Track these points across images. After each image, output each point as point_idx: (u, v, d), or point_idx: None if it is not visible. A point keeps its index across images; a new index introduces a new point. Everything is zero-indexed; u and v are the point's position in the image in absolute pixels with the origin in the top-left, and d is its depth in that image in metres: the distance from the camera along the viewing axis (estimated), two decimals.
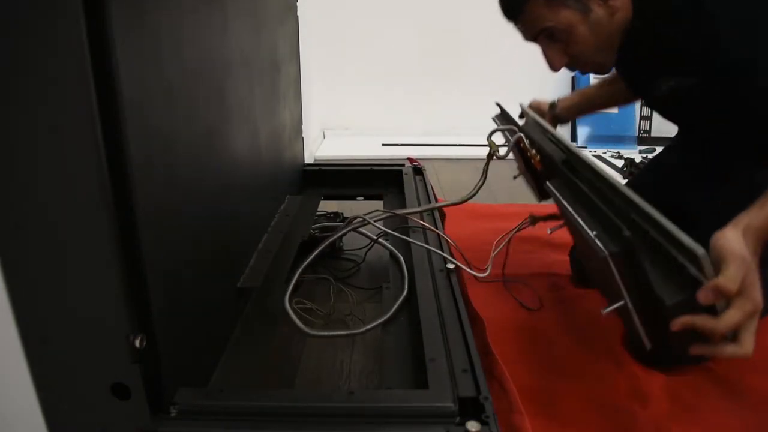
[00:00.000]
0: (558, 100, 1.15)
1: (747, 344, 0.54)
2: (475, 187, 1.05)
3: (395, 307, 0.79)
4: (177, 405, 0.56)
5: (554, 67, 0.87)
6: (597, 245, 0.57)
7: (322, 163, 1.47)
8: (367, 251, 1.23)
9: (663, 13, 0.78)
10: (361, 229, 1.06)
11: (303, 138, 1.43)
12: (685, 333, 0.55)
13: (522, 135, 0.92)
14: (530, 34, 0.86)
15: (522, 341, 0.92)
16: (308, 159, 1.99)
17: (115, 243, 0.47)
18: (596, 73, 0.92)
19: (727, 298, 0.53)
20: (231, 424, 0.55)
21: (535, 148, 0.90)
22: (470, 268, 0.93)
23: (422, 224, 1.00)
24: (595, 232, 0.58)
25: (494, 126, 1.05)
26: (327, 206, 1.38)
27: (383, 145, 2.49)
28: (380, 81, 2.65)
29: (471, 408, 0.56)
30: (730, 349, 0.55)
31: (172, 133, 0.56)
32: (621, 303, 0.59)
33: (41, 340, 0.51)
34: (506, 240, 1.08)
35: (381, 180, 1.38)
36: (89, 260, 0.48)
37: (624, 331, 0.93)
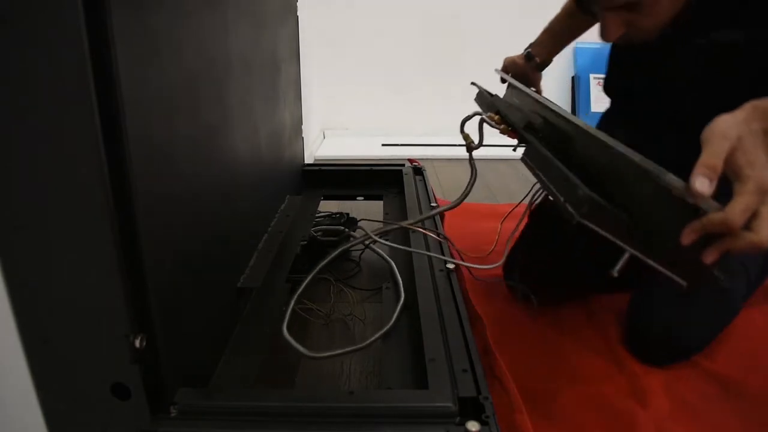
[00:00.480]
0: (531, 48, 1.11)
1: (761, 229, 0.48)
2: (467, 186, 1.03)
3: (395, 316, 0.79)
4: (177, 405, 0.56)
5: (610, 39, 0.80)
6: (569, 212, 0.52)
7: (322, 163, 1.47)
8: (360, 255, 1.22)
9: None
10: (358, 232, 1.05)
11: (303, 138, 1.43)
12: (702, 246, 0.50)
13: (483, 116, 0.89)
14: (606, 4, 0.78)
15: (522, 341, 0.92)
16: (308, 159, 1.99)
17: (115, 243, 0.47)
18: (640, 42, 0.84)
19: (714, 177, 0.49)
20: (231, 424, 0.55)
21: (503, 123, 0.85)
22: (471, 270, 0.92)
23: (423, 230, 0.99)
24: (563, 198, 0.54)
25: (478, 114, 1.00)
26: (327, 206, 1.38)
27: (383, 145, 2.49)
28: (380, 81, 2.65)
29: (471, 408, 0.56)
30: (745, 238, 0.49)
31: (172, 133, 0.56)
32: (626, 256, 0.56)
33: (41, 340, 0.51)
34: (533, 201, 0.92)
35: (381, 180, 1.38)
36: (89, 260, 0.48)
37: (623, 330, 0.93)
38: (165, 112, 0.54)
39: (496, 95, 1.02)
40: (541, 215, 0.91)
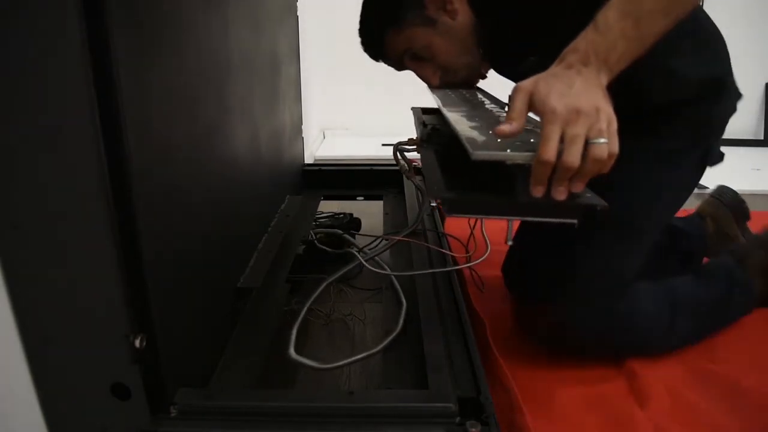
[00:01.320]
0: None
1: (568, 153, 0.51)
2: (420, 211, 1.05)
3: (400, 323, 0.78)
4: (177, 405, 0.56)
5: (432, 84, 0.91)
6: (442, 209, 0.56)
7: (322, 163, 1.47)
8: (356, 269, 1.20)
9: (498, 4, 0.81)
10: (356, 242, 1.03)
11: (303, 138, 1.43)
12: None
13: (396, 145, 0.92)
14: (398, 64, 0.91)
15: (522, 341, 0.92)
16: (308, 159, 1.99)
17: (115, 243, 0.47)
18: (469, 77, 0.93)
19: (514, 124, 0.54)
20: (231, 424, 0.55)
21: (413, 142, 0.91)
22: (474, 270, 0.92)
23: (427, 245, 0.99)
24: (439, 200, 0.58)
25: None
26: (327, 206, 1.38)
27: (383, 145, 2.48)
28: (380, 81, 2.64)
29: (471, 408, 0.56)
30: (561, 167, 0.52)
31: (171, 133, 0.56)
32: (511, 224, 0.58)
33: (41, 340, 0.51)
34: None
35: (381, 180, 1.38)
36: (89, 260, 0.48)
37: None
38: (165, 112, 0.54)
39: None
40: None
